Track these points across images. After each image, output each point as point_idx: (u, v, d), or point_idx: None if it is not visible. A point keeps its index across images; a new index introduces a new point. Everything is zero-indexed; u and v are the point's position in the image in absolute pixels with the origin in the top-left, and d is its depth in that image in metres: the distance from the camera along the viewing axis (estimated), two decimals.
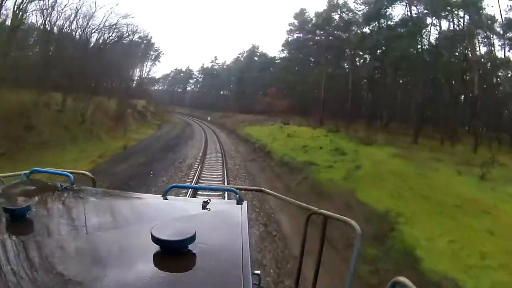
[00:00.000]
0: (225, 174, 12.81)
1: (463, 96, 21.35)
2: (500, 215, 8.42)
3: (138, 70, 38.22)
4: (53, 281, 0.82)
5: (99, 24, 24.78)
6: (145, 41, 36.95)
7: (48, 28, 22.05)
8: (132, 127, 27.00)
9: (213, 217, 1.31)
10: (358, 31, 25.51)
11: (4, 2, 18.53)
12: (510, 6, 18.52)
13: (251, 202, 8.72)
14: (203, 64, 49.70)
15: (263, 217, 8.35)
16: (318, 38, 28.07)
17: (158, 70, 75.60)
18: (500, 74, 19.96)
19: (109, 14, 31.92)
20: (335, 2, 26.30)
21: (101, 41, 26.37)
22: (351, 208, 8.74)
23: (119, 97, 27.35)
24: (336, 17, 26.73)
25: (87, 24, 23.99)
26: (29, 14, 20.90)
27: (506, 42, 18.91)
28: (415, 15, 21.20)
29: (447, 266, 6.38)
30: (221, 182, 11.49)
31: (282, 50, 32.86)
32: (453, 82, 20.52)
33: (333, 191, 10.35)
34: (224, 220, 1.32)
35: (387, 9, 22.42)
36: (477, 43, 19.00)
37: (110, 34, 26.53)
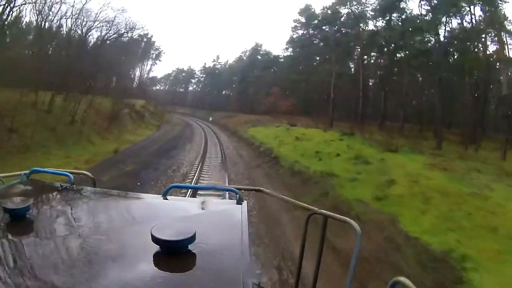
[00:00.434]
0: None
1: (484, 97, 19.64)
2: None
3: (138, 69, 37.11)
4: (53, 281, 0.82)
5: (94, 19, 23.41)
6: (145, 40, 36.00)
7: (40, 23, 20.74)
8: (128, 128, 25.69)
9: (213, 217, 1.32)
10: (368, 27, 23.96)
11: None
12: None
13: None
14: (205, 64, 48.27)
15: None
16: (325, 34, 26.61)
17: (160, 69, 74.67)
18: None
19: (105, 9, 30.66)
20: None
21: (97, 37, 25.10)
22: (396, 245, 6.71)
23: (115, 96, 25.99)
24: (345, 11, 25.23)
25: (82, 18, 22.63)
26: (18, 8, 19.64)
27: None
28: (434, 7, 19.47)
29: None
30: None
31: (286, 48, 31.68)
32: (475, 81, 18.84)
33: (365, 217, 7.95)
34: (224, 220, 1.32)
35: (402, 1, 20.71)
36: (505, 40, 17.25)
37: (108, 30, 25.19)
